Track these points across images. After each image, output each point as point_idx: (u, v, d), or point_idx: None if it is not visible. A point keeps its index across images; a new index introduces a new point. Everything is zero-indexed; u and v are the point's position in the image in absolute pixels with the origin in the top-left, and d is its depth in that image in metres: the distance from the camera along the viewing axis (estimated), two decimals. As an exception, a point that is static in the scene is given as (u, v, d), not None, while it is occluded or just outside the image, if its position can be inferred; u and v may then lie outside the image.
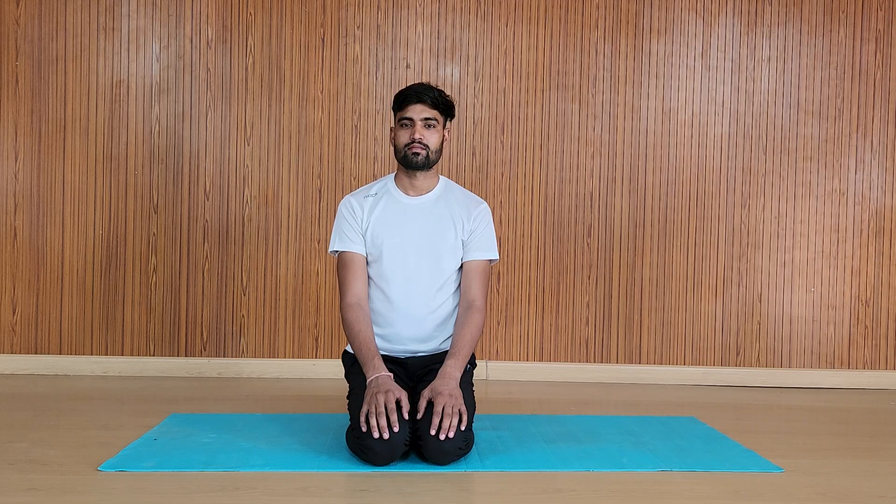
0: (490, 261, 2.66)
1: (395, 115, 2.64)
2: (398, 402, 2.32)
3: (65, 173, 3.69)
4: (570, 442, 2.62)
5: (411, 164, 2.58)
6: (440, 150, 2.62)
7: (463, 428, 2.31)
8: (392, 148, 2.66)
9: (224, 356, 3.72)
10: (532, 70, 3.75)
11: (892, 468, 2.46)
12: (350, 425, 2.41)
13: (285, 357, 3.73)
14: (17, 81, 3.67)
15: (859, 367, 3.81)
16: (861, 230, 3.81)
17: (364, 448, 2.29)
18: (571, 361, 3.79)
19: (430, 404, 2.34)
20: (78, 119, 3.68)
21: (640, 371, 3.78)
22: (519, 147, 3.76)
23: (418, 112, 2.56)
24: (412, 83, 2.78)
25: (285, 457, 2.39)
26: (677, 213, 3.79)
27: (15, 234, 3.69)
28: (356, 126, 3.72)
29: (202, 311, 3.71)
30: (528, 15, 3.75)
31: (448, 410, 2.29)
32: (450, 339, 2.59)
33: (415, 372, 2.59)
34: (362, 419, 2.29)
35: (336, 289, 3.58)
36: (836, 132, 3.80)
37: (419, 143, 2.55)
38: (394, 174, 2.72)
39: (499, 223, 3.70)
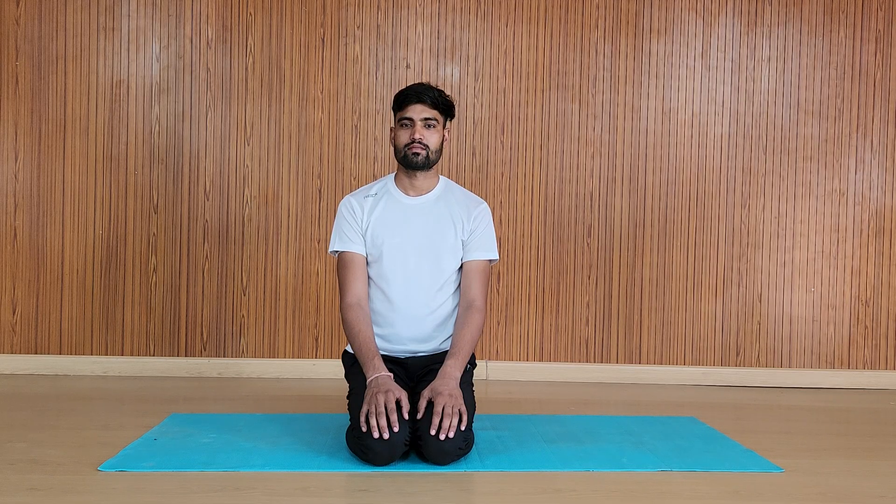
0: (490, 261, 2.66)
1: (394, 115, 2.64)
2: (398, 402, 2.32)
3: (65, 173, 3.69)
4: (570, 442, 2.62)
5: (411, 164, 2.58)
6: (440, 150, 2.62)
7: (463, 428, 2.31)
8: (392, 148, 2.67)
9: (224, 356, 3.72)
10: (532, 70, 3.75)
11: (892, 468, 2.46)
12: (350, 425, 2.41)
13: (285, 357, 3.73)
14: (17, 81, 3.67)
15: (859, 367, 3.81)
16: (861, 230, 3.81)
17: (364, 448, 2.29)
18: (571, 361, 3.79)
19: (430, 404, 2.34)
20: (78, 119, 3.69)
21: (640, 371, 3.78)
22: (519, 147, 3.76)
23: (418, 112, 2.56)
24: (412, 83, 2.78)
25: (285, 457, 2.39)
26: (677, 213, 3.79)
27: (15, 234, 3.69)
28: (356, 126, 3.72)
29: (202, 311, 3.71)
30: (528, 15, 3.75)
31: (448, 410, 2.29)
32: (450, 339, 2.59)
33: (415, 372, 2.59)
34: (362, 419, 2.29)
35: (336, 289, 3.58)
36: (836, 132, 3.80)
37: (419, 143, 2.55)
38: (394, 174, 2.72)
39: (499, 223, 3.70)
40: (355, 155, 3.73)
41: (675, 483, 2.25)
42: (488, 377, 3.73)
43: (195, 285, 3.71)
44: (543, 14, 3.75)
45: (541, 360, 3.78)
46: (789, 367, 3.81)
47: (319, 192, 3.72)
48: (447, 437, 2.26)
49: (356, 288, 2.59)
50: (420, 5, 3.73)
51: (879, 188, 3.81)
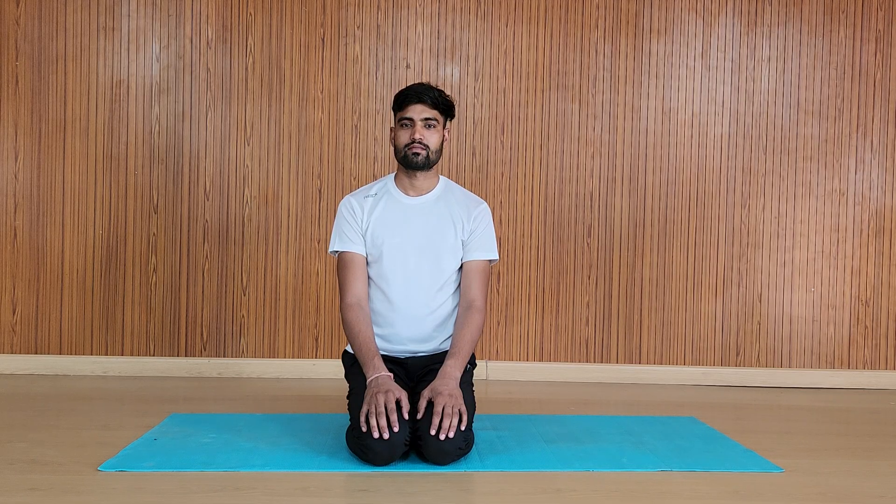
0: (490, 261, 2.66)
1: (395, 116, 2.64)
2: (398, 402, 2.32)
3: (65, 173, 3.69)
4: (570, 442, 2.62)
5: (411, 165, 2.58)
6: (440, 151, 2.62)
7: (463, 428, 2.31)
8: (392, 148, 2.66)
9: (224, 356, 3.72)
10: (532, 70, 3.75)
11: (892, 468, 2.46)
12: (350, 425, 2.41)
13: (285, 357, 3.73)
14: (17, 81, 3.67)
15: (859, 367, 3.81)
16: (861, 230, 3.81)
17: (364, 448, 2.29)
18: (571, 361, 3.79)
19: (430, 404, 2.34)
20: (78, 119, 3.69)
21: (640, 371, 3.78)
22: (519, 147, 3.76)
23: (418, 112, 2.56)
24: (412, 83, 2.78)
25: (285, 457, 2.39)
26: (677, 213, 3.79)
27: (15, 234, 3.69)
28: (356, 126, 3.72)
29: (202, 311, 3.71)
30: (528, 15, 3.75)
31: (448, 410, 2.29)
32: (450, 339, 2.59)
33: (415, 372, 2.59)
34: (362, 419, 2.30)
35: (336, 289, 3.58)
36: (836, 132, 3.80)
37: (419, 143, 2.55)
38: (394, 174, 2.72)
39: (499, 223, 3.70)
40: (355, 155, 3.73)
41: (675, 483, 2.25)
42: (488, 377, 3.73)
43: (195, 285, 3.71)
44: (543, 14, 3.75)
45: (541, 360, 3.78)
46: (789, 367, 3.81)
47: (319, 192, 3.72)
48: (447, 437, 2.26)
49: (356, 288, 2.59)
50: (420, 5, 3.73)
51: (879, 188, 3.81)
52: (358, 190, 2.74)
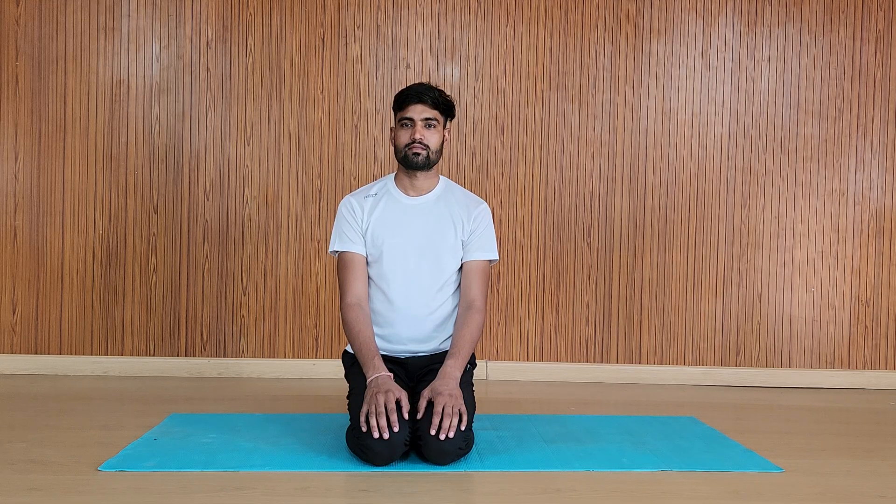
0: (490, 261, 2.66)
1: (395, 116, 2.64)
2: (398, 402, 2.32)
3: (65, 173, 3.69)
4: (570, 442, 2.62)
5: (411, 165, 2.58)
6: (440, 151, 2.62)
7: (463, 428, 2.31)
8: (392, 148, 2.66)
9: (224, 356, 3.72)
10: (532, 70, 3.75)
11: (892, 468, 2.46)
12: (350, 425, 2.41)
13: (285, 357, 3.73)
14: (17, 81, 3.67)
15: (859, 367, 3.81)
16: (861, 230, 3.81)
17: (364, 448, 2.29)
18: (571, 361, 3.79)
19: (430, 404, 2.34)
20: (78, 119, 3.69)
21: (640, 371, 3.78)
22: (519, 147, 3.76)
23: (419, 112, 2.56)
24: (412, 83, 2.78)
25: (285, 457, 2.39)
26: (677, 213, 3.79)
27: (15, 234, 3.69)
28: (356, 126, 3.72)
29: (202, 311, 3.71)
30: (528, 15, 3.75)
31: (448, 410, 2.29)
32: (450, 340, 2.59)
33: (415, 372, 2.59)
34: (362, 419, 2.30)
35: (336, 289, 3.58)
36: (836, 132, 3.80)
37: (419, 143, 2.55)
38: (394, 174, 2.72)
39: (499, 223, 3.70)
40: (355, 155, 3.73)
41: (675, 483, 2.25)
42: (488, 377, 3.73)
43: (195, 285, 3.71)
44: (543, 14, 3.75)
45: (541, 360, 3.78)
46: (789, 367, 3.81)
47: (319, 192, 3.72)
48: (447, 437, 2.26)
49: (356, 288, 2.59)
50: (420, 5, 3.73)
51: (879, 188, 3.81)
52: (358, 190, 2.74)
